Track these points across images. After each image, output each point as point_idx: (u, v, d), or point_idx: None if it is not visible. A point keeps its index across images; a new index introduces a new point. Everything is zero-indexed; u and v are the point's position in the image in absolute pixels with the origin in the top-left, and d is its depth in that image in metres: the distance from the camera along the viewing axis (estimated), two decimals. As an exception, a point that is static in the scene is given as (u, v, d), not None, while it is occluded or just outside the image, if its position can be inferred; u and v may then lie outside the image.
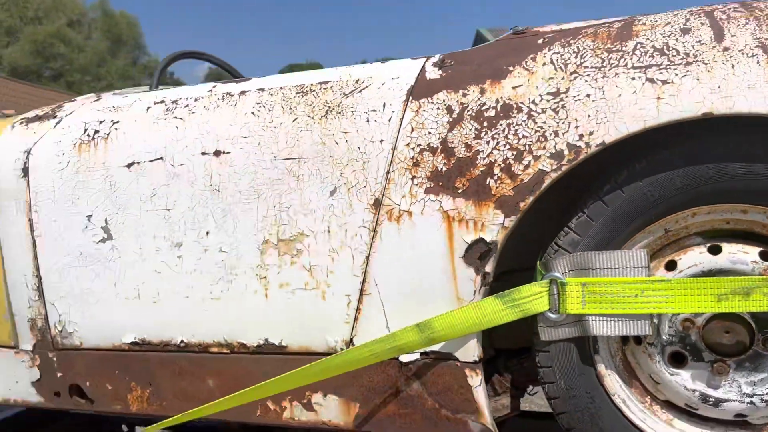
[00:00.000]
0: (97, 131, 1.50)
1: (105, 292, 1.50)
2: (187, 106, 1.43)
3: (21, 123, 1.63)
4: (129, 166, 1.45)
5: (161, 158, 1.42)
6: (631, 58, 1.11)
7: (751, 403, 1.10)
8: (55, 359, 1.59)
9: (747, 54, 1.04)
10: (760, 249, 1.10)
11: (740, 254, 1.10)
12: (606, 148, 1.10)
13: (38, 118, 1.62)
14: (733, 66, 1.03)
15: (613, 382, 1.19)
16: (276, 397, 1.38)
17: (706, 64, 1.06)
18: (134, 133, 1.46)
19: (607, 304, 1.12)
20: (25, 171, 1.55)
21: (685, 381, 1.14)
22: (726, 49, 1.06)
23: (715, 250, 1.12)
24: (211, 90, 1.44)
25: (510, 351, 1.38)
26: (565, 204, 1.22)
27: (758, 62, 1.02)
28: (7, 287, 1.61)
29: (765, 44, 1.04)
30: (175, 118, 1.43)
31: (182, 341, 1.46)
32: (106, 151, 1.48)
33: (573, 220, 1.17)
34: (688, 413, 1.18)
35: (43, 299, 1.57)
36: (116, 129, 1.48)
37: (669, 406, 1.19)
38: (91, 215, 1.49)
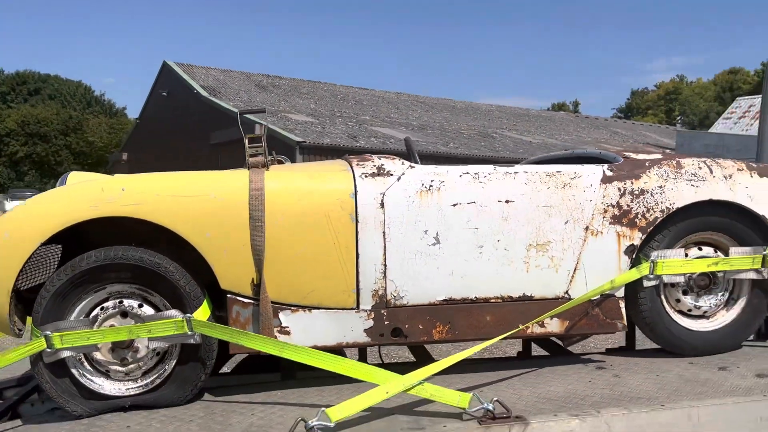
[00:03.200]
0: (431, 186, 2.76)
1: (429, 273, 2.75)
2: (486, 176, 2.81)
3: (365, 176, 2.75)
4: (454, 205, 2.76)
5: (474, 202, 2.77)
6: (683, 173, 2.92)
7: None
8: (385, 314, 2.74)
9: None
10: None
11: None
12: (676, 210, 2.87)
13: (377, 174, 2.76)
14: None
15: (664, 300, 2.95)
16: (519, 324, 2.80)
17: (704, 180, 2.91)
18: (455, 188, 2.77)
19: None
20: (382, 204, 2.71)
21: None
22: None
23: None
24: (494, 169, 2.84)
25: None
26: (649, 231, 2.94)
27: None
28: (358, 272, 2.71)
29: None
30: (480, 182, 2.79)
31: (475, 297, 2.79)
32: (438, 196, 2.75)
33: (654, 239, 2.91)
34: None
35: (386, 278, 2.73)
36: (443, 184, 2.77)
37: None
38: (427, 230, 2.74)
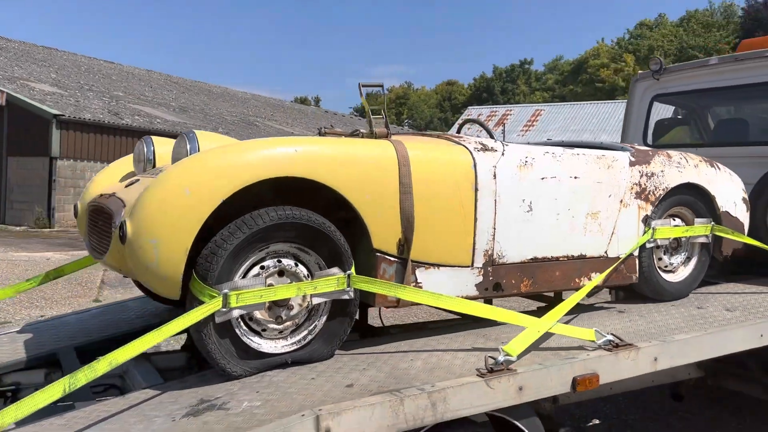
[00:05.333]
0: (526, 161, 3.25)
1: (524, 236, 3.24)
2: (561, 155, 3.38)
3: (477, 150, 3.13)
4: (542, 179, 3.29)
5: (555, 177, 3.33)
6: (673, 162, 3.84)
7: None
8: (490, 270, 3.17)
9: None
10: None
11: None
12: (670, 189, 3.78)
13: (486, 150, 3.15)
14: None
15: (654, 259, 3.85)
16: (576, 278, 3.46)
17: (685, 167, 3.88)
18: (542, 164, 3.30)
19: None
20: (494, 175, 3.13)
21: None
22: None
23: None
24: (564, 150, 3.42)
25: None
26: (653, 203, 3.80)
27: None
28: (475, 235, 3.09)
29: None
30: (557, 160, 3.36)
31: (551, 256, 3.36)
32: (531, 170, 3.26)
33: (653, 210, 3.78)
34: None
35: (494, 240, 3.15)
36: (534, 160, 3.28)
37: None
38: (524, 199, 3.23)
